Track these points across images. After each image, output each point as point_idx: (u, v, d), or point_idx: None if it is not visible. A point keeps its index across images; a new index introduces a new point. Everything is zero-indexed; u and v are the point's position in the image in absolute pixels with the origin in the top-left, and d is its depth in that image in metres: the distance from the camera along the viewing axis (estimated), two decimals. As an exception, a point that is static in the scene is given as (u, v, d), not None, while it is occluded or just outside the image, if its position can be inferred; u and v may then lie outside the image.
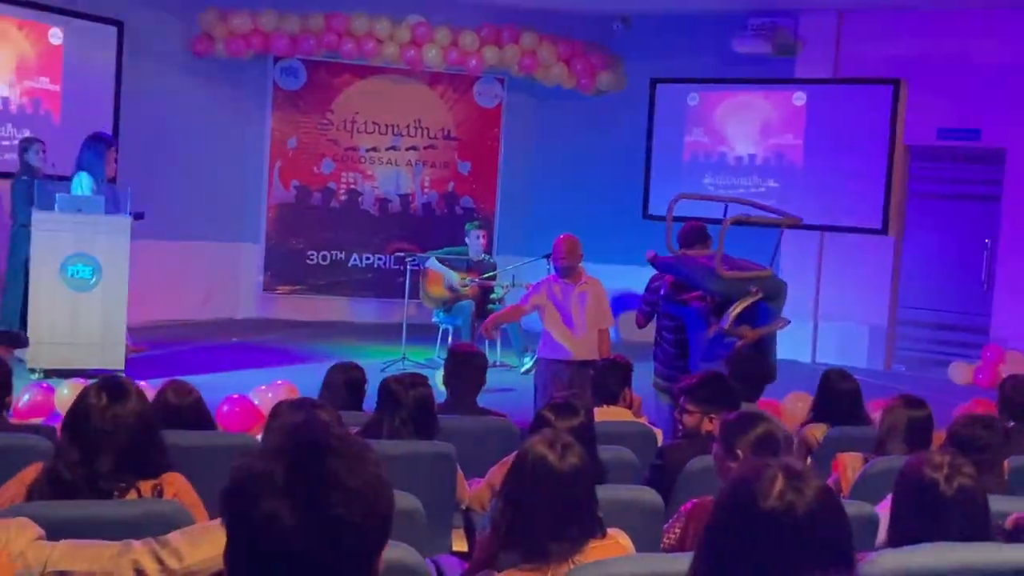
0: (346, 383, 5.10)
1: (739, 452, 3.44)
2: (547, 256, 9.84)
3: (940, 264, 11.13)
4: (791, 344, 11.27)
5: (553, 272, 7.00)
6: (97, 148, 8.22)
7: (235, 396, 6.70)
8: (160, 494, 2.85)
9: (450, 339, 9.71)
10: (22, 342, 5.60)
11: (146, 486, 2.88)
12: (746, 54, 11.25)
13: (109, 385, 2.97)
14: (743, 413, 3.70)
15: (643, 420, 5.52)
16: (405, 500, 3.11)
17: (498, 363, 10.04)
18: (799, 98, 11.34)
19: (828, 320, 11.27)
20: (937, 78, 10.68)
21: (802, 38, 11.28)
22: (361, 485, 1.43)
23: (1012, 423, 4.97)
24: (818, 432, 5.15)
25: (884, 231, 10.92)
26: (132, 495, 2.84)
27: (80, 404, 2.93)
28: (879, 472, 3.99)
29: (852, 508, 3.54)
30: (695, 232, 6.88)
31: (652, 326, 7.00)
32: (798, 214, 11.17)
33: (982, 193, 10.92)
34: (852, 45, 11.10)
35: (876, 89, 10.90)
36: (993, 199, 10.74)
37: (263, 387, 7.06)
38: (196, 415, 4.05)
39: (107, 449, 2.83)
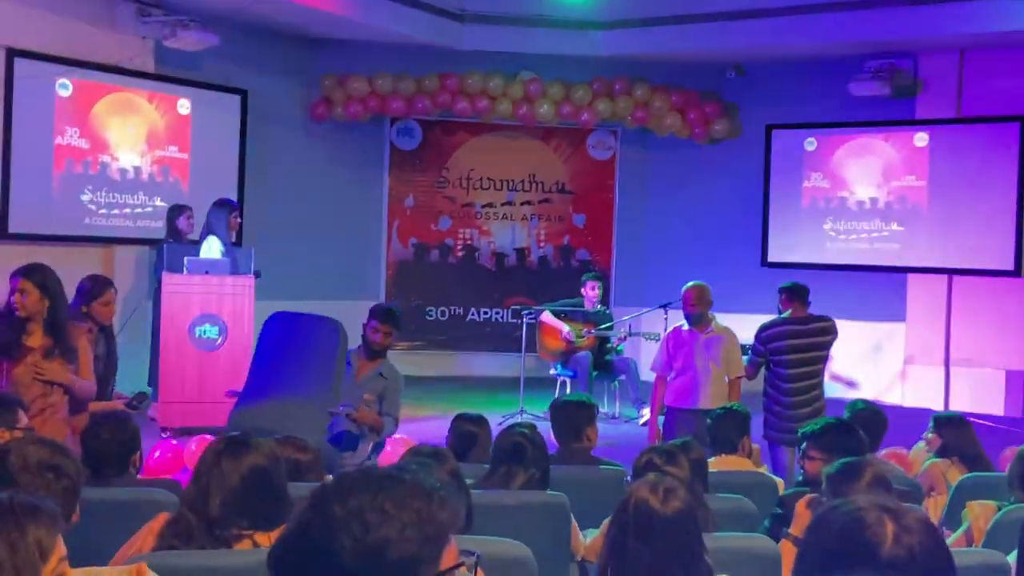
0: (467, 434, 5.14)
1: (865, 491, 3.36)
2: (665, 306, 9.81)
3: (1079, 306, 10.65)
4: (921, 392, 10.95)
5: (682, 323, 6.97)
6: (220, 212, 8.52)
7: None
8: None
9: (568, 390, 9.70)
10: (142, 405, 5.79)
11: (263, 538, 2.93)
12: (864, 97, 11.05)
13: (233, 438, 3.07)
14: (846, 462, 3.59)
15: (763, 469, 5.39)
16: (515, 549, 3.09)
17: (616, 415, 9.98)
18: (921, 139, 11.07)
19: (961, 366, 10.87)
20: (1067, 113, 10.31)
21: (922, 78, 11.03)
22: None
23: None
24: (945, 469, 4.97)
25: (1017, 272, 10.52)
26: (246, 544, 2.89)
27: (204, 453, 3.04)
28: (1013, 521, 3.81)
29: (983, 556, 3.41)
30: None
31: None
32: (925, 256, 10.94)
33: (1121, 231, 10.44)
34: (975, 83, 10.81)
35: (1002, 127, 10.58)
36: None
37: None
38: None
39: (217, 494, 2.90)
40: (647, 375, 10.14)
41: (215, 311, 7.94)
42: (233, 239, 8.66)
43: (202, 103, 10.47)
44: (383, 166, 12.26)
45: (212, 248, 8.30)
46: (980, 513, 4.12)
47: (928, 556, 1.65)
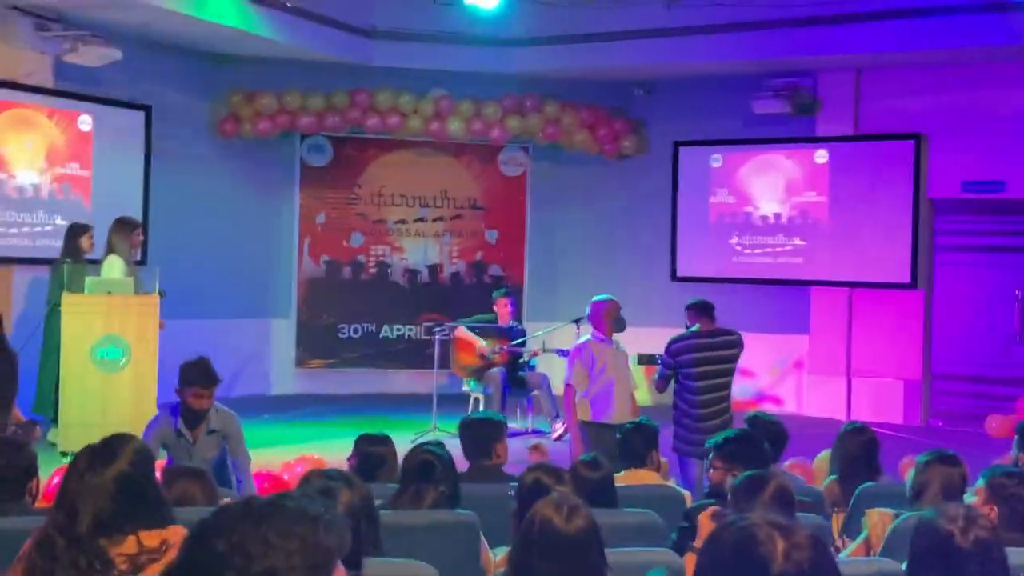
0: (371, 455, 5.09)
1: (767, 504, 3.45)
2: (577, 321, 9.89)
3: (971, 316, 11.03)
4: (825, 402, 11.22)
5: (591, 336, 7.02)
6: (122, 231, 8.36)
7: (264, 472, 6.72)
8: (166, 547, 2.86)
9: (481, 407, 9.72)
10: (28, 435, 5.63)
11: (150, 537, 2.88)
12: (766, 115, 11.31)
13: (95, 449, 3.01)
14: (751, 475, 3.68)
15: (671, 483, 5.47)
16: (423, 570, 3.10)
17: (530, 430, 10.02)
18: (821, 156, 11.37)
19: (861, 376, 11.17)
20: (959, 131, 10.69)
21: (821, 96, 11.34)
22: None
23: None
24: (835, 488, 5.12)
25: (913, 285, 10.86)
26: (131, 544, 2.85)
27: (67, 472, 2.98)
28: (909, 528, 3.92)
29: (880, 565, 3.51)
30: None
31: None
32: (826, 270, 11.23)
33: (1010, 244, 10.85)
34: (872, 101, 11.15)
35: (898, 144, 10.93)
36: (1021, 250, 10.66)
37: (292, 461, 7.08)
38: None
39: (87, 512, 2.86)
40: (560, 390, 10.24)
41: (118, 332, 7.77)
42: (137, 257, 8.50)
43: (104, 119, 10.27)
44: (294, 183, 12.16)
45: (114, 268, 8.14)
46: (878, 521, 4.23)
47: (817, 572, 1.71)
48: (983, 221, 11.13)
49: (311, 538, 1.53)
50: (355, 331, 12.31)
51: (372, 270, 12.41)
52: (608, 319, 6.95)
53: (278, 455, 7.93)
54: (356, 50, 11.41)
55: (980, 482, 3.64)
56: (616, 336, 7.10)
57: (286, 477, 6.72)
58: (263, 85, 11.43)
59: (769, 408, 10.78)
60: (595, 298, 7.18)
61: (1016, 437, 5.27)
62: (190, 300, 10.03)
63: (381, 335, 12.37)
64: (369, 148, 12.35)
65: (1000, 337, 10.90)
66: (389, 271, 12.46)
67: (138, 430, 7.72)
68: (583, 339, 7.10)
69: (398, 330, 12.40)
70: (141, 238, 8.64)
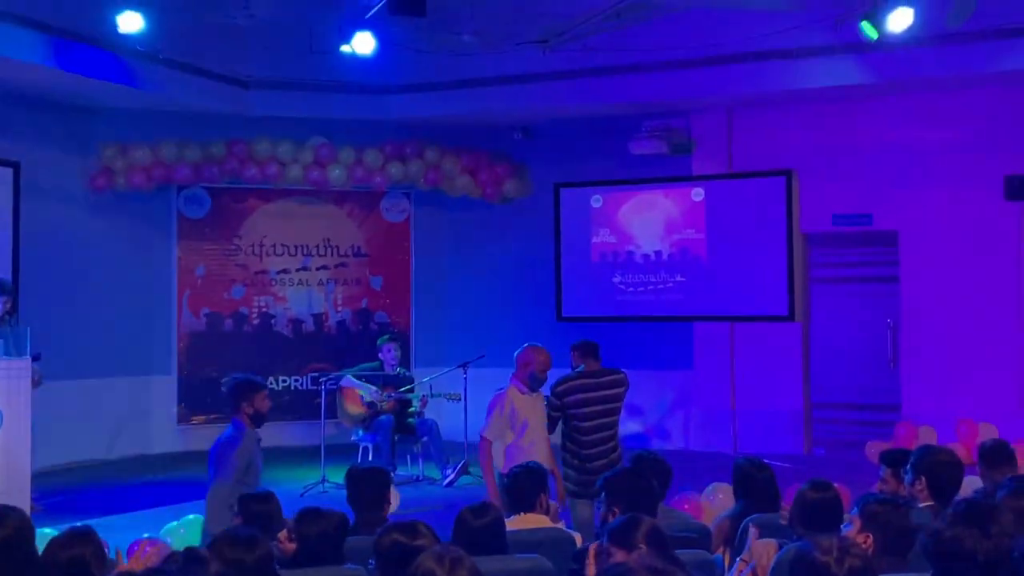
0: (257, 513, 4.97)
1: (641, 546, 3.49)
2: (464, 365, 9.88)
3: (848, 345, 11.39)
4: (712, 435, 11.42)
5: (513, 384, 6.65)
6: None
7: (146, 537, 6.49)
8: None
9: (370, 456, 9.61)
10: None
11: None
12: (643, 155, 11.55)
13: None
14: (623, 519, 3.70)
15: (561, 525, 5.48)
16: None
17: (420, 478, 9.94)
18: (697, 194, 11.64)
19: (746, 409, 11.40)
20: (827, 167, 11.08)
21: (696, 136, 11.64)
22: None
23: (930, 502, 4.96)
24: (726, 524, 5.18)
25: (791, 317, 11.15)
26: None
27: None
28: (791, 558, 4.00)
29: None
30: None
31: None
32: (707, 305, 11.47)
33: (880, 275, 11.26)
34: (743, 140, 11.48)
35: (769, 181, 11.25)
36: (891, 280, 11.08)
37: (175, 524, 6.86)
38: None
39: None
40: (449, 435, 10.21)
41: (-11, 397, 7.45)
42: (7, 320, 8.18)
43: (-30, 176, 9.92)
44: (171, 235, 11.92)
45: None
46: (763, 552, 4.30)
47: None
48: (853, 253, 11.53)
49: None
50: (239, 384, 12.05)
51: (255, 321, 12.21)
52: (527, 370, 6.59)
53: (161, 518, 7.68)
54: (232, 100, 11.29)
55: (855, 511, 3.74)
56: (509, 380, 6.96)
57: (169, 541, 6.51)
58: (137, 137, 11.21)
59: (656, 444, 10.93)
60: (526, 345, 6.75)
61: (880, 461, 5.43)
62: (66, 360, 9.72)
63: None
64: (248, 198, 12.19)
65: (875, 365, 11.27)
66: (273, 322, 12.28)
67: (13, 498, 7.44)
68: (503, 388, 6.70)
69: (284, 381, 12.21)
70: (7, 299, 8.30)
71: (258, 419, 5.97)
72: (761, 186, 11.30)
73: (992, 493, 4.59)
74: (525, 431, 6.52)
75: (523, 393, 6.59)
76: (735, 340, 11.51)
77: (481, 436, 6.65)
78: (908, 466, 4.67)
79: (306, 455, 10.45)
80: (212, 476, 5.84)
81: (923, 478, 4.52)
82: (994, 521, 3.68)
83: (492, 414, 6.58)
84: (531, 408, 6.61)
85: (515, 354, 6.71)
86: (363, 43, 10.32)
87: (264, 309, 12.26)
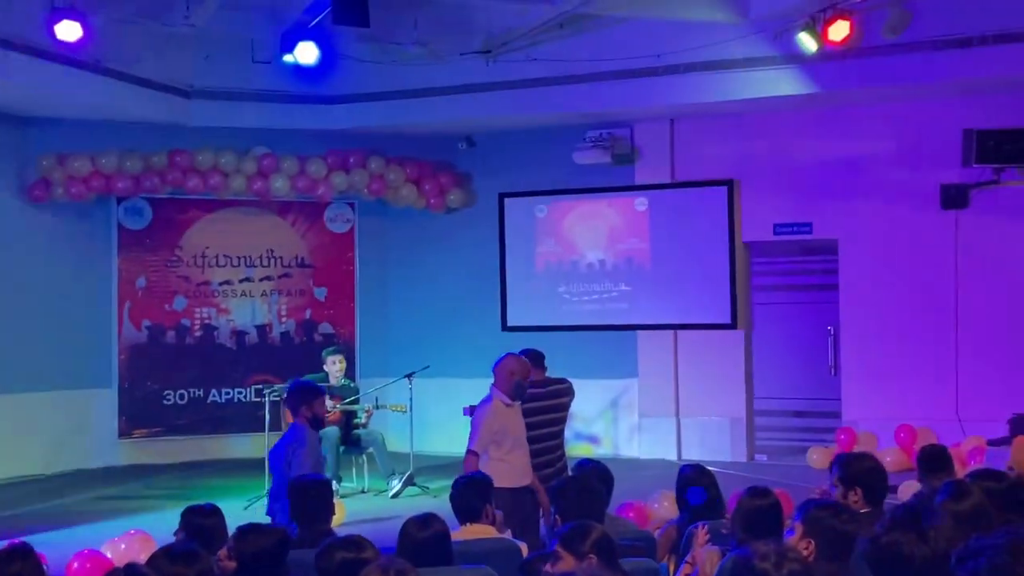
0: (201, 527, 4.91)
1: (591, 555, 3.52)
2: (410, 375, 9.85)
3: (790, 353, 11.54)
4: (656, 443, 11.49)
5: (496, 396, 6.39)
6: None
7: (86, 551, 6.40)
8: None
9: (315, 469, 9.53)
10: None
11: None
12: (587, 165, 11.61)
13: None
14: (574, 525, 3.74)
15: (507, 535, 5.48)
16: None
17: (366, 490, 9.89)
18: (641, 203, 11.73)
19: (689, 416, 11.49)
20: (768, 176, 11.22)
21: (639, 146, 11.73)
22: None
23: (867, 509, 5.02)
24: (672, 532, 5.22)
25: (733, 325, 11.27)
26: None
27: None
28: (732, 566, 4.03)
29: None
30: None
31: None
32: (651, 313, 11.56)
33: (820, 283, 11.43)
34: (686, 150, 11.59)
35: (712, 190, 11.36)
36: (831, 288, 11.25)
37: (116, 539, 6.76)
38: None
39: None
40: (395, 446, 10.18)
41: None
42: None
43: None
44: (111, 247, 11.75)
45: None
46: (706, 559, 4.34)
47: None
48: (794, 261, 11.69)
49: None
50: (181, 397, 11.93)
51: (197, 333, 12.07)
52: (511, 381, 6.37)
53: (101, 532, 7.56)
54: (174, 110, 11.16)
55: (797, 517, 3.78)
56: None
57: (110, 555, 6.42)
58: (76, 147, 11.05)
59: (601, 452, 10.98)
60: (507, 355, 6.58)
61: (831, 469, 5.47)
62: (2, 373, 9.54)
63: (209, 400, 12.03)
64: (190, 209, 12.06)
65: (816, 372, 11.43)
66: (215, 334, 12.16)
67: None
68: (488, 400, 6.42)
69: (227, 394, 12.08)
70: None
71: (316, 423, 6.36)
72: (703, 196, 11.41)
73: (930, 497, 4.67)
74: (508, 444, 6.33)
75: (507, 405, 6.39)
76: (679, 348, 11.60)
77: (469, 450, 6.29)
78: (836, 479, 4.68)
79: (250, 468, 10.34)
80: (280, 477, 6.08)
81: (859, 489, 4.58)
82: (932, 525, 3.75)
83: (481, 427, 6.29)
84: (514, 420, 6.44)
85: (494, 366, 6.49)
86: (306, 53, 10.28)
87: (206, 321, 12.13)
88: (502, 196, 12.20)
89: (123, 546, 6.47)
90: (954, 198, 10.48)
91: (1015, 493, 4.59)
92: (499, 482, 5.95)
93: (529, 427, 6.74)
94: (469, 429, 6.40)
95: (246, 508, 8.72)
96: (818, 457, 10.42)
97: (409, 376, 9.97)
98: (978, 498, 3.99)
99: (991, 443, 9.32)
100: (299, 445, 6.12)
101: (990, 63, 9.50)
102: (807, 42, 9.41)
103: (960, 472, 6.21)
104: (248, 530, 4.11)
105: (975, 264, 10.51)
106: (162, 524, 7.06)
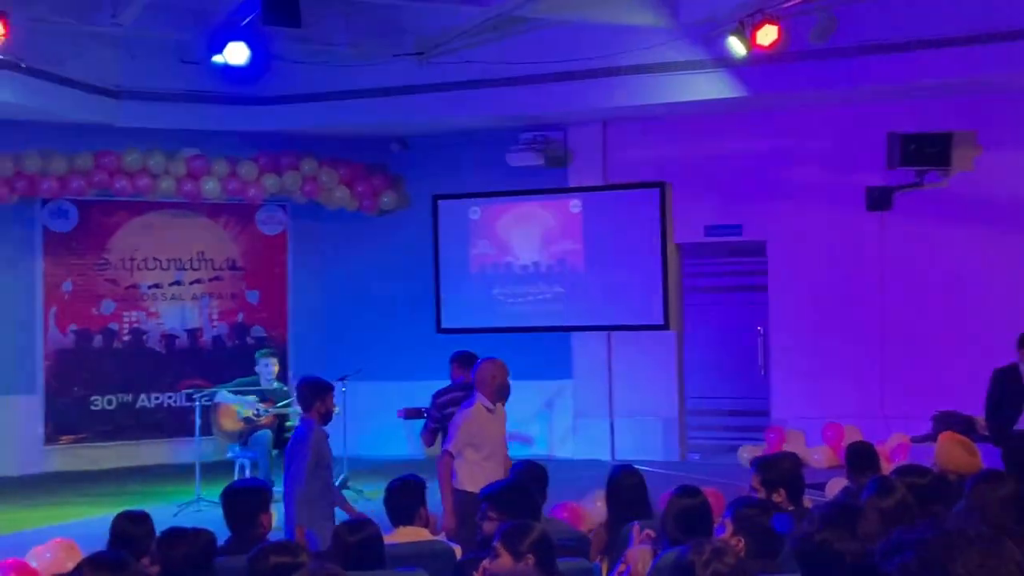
0: (129, 537, 4.82)
1: (528, 556, 3.55)
2: (343, 378, 9.79)
3: (721, 353, 11.68)
4: (590, 444, 11.56)
5: (479, 401, 6.46)
6: None
7: (11, 561, 6.26)
8: None
9: (247, 473, 9.43)
10: None
11: None
12: (521, 167, 11.64)
13: None
14: (512, 525, 3.77)
15: (441, 537, 5.48)
16: None
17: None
18: (575, 206, 11.79)
19: (623, 417, 11.57)
20: (699, 179, 11.35)
21: (572, 148, 11.79)
22: None
23: (791, 507, 5.12)
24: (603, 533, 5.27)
25: (666, 326, 11.37)
26: None
27: None
28: (668, 565, 4.07)
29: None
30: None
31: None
32: (585, 315, 11.62)
33: (750, 284, 11.59)
34: (618, 152, 11.68)
35: (644, 193, 11.46)
36: (760, 289, 11.41)
37: (41, 547, 6.62)
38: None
39: None
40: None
41: None
42: None
43: None
44: (36, 250, 11.50)
45: None
46: (639, 559, 4.38)
47: None
48: (725, 263, 11.83)
49: None
50: (109, 403, 11.73)
51: (126, 338, 11.88)
52: (494, 384, 6.47)
53: (27, 541, 7.39)
54: (101, 110, 10.95)
55: (728, 514, 3.84)
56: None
57: (35, 564, 6.28)
58: (-2, 147, 10.81)
59: (536, 453, 11.01)
60: (481, 359, 6.71)
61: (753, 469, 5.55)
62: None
63: (138, 405, 11.84)
64: (118, 211, 11.86)
65: (747, 371, 11.58)
66: (145, 338, 11.97)
67: None
68: (470, 403, 6.50)
69: (156, 399, 11.91)
70: None
71: (326, 418, 6.46)
72: (636, 198, 11.51)
73: (857, 494, 4.76)
74: (486, 450, 6.38)
75: (489, 411, 6.45)
76: (612, 349, 11.69)
77: (445, 450, 6.39)
78: (759, 482, 4.74)
79: (181, 474, 10.20)
80: (286, 474, 6.25)
81: (782, 489, 4.66)
82: (860, 522, 3.83)
83: (460, 429, 6.36)
84: (494, 426, 6.49)
85: (472, 374, 6.61)
86: (236, 53, 10.16)
87: (135, 325, 11.93)
88: (436, 198, 12.18)
89: (48, 555, 6.35)
90: (878, 200, 10.70)
91: (938, 488, 4.71)
92: (467, 486, 6.14)
93: (463, 429, 6.75)
94: (415, 431, 6.54)
95: (176, 515, 8.59)
96: (748, 455, 10.53)
97: (343, 379, 9.91)
98: (902, 494, 4.08)
99: (915, 440, 9.55)
100: (301, 443, 6.23)
101: (913, 68, 9.72)
102: (736, 46, 9.54)
103: (886, 468, 6.35)
104: (170, 535, 4.06)
105: (899, 265, 10.75)
106: (89, 532, 6.94)
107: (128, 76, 11.08)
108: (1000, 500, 3.86)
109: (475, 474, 6.17)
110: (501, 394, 6.52)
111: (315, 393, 6.43)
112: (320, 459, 6.23)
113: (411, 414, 8.38)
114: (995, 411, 8.43)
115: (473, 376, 6.59)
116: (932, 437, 8.85)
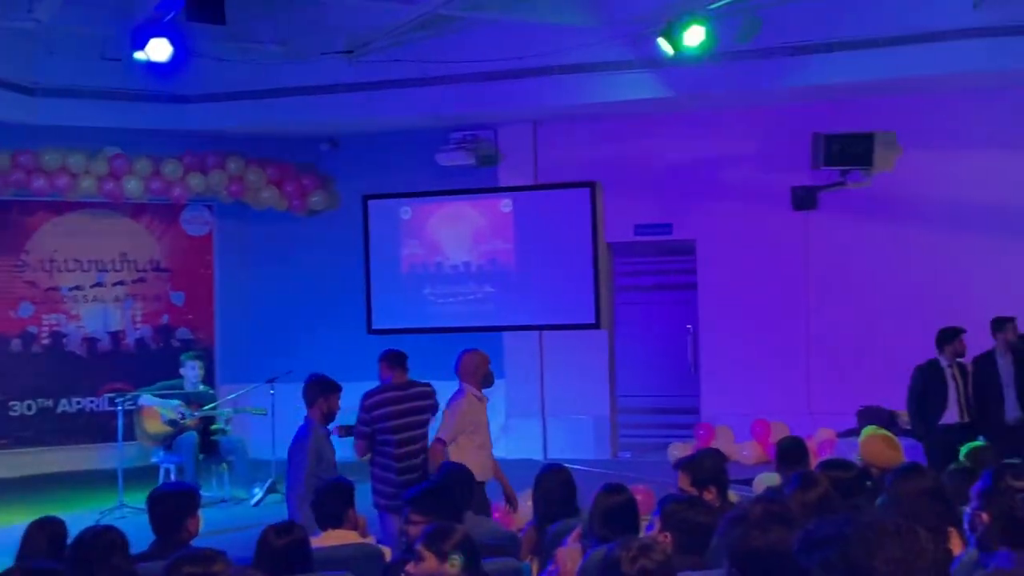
0: (48, 540, 4.70)
1: (454, 558, 3.51)
2: (272, 380, 9.65)
3: (651, 351, 11.75)
4: (522, 443, 11.54)
5: (468, 391, 6.79)
6: None
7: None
8: None
9: (172, 477, 9.26)
10: None
11: None
12: (451, 166, 11.60)
13: None
14: (435, 528, 3.74)
15: (370, 540, 5.41)
16: None
17: (227, 499, 9.64)
18: (506, 205, 11.77)
19: (555, 415, 11.59)
20: (628, 178, 11.41)
21: (502, 148, 11.77)
22: None
23: (719, 503, 5.14)
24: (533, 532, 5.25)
25: (597, 325, 11.41)
26: None
27: None
28: (596, 564, 4.06)
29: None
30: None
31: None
32: (517, 314, 11.61)
33: (680, 283, 11.68)
34: (549, 152, 11.68)
35: (574, 192, 11.49)
36: (690, 287, 11.50)
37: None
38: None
39: None
40: (257, 453, 9.95)
41: None
42: None
43: None
44: (-50, 252, 11.19)
45: None
46: (568, 557, 4.37)
47: None
48: (655, 262, 11.91)
49: None
50: (28, 408, 11.44)
51: (45, 341, 11.59)
52: (479, 373, 6.84)
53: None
54: (17, 108, 10.63)
55: (657, 511, 3.83)
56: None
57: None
58: (-90, 146, 10.48)
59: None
60: (463, 351, 7.03)
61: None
62: None
63: (58, 410, 11.57)
64: (37, 211, 11.57)
65: (677, 370, 11.66)
66: (65, 341, 11.69)
67: None
68: (461, 393, 6.81)
69: (77, 403, 11.64)
70: None
71: (329, 417, 6.48)
72: (566, 197, 11.53)
73: (781, 489, 4.80)
74: (479, 437, 6.75)
75: (479, 400, 6.81)
76: (544, 348, 11.69)
77: (437, 438, 6.63)
78: (689, 483, 4.74)
79: (103, 480, 9.97)
80: (287, 472, 6.33)
81: (713, 487, 4.68)
82: (785, 516, 3.85)
83: (456, 417, 6.66)
84: (484, 414, 6.86)
85: (456, 367, 6.91)
86: (158, 50, 9.94)
87: (55, 328, 11.65)
88: (366, 198, 12.08)
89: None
90: (803, 199, 10.85)
91: (862, 481, 4.77)
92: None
93: (391, 431, 6.74)
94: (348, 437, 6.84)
95: (98, 522, 8.37)
96: (678, 452, 10.60)
97: (271, 381, 9.78)
98: (824, 488, 4.12)
99: (840, 435, 9.70)
100: (302, 443, 6.25)
101: (836, 69, 9.86)
102: (665, 46, 9.59)
103: (813, 463, 6.42)
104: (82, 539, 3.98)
105: (823, 263, 10.91)
106: (7, 540, 6.73)
107: (46, 73, 10.80)
108: (918, 492, 3.93)
109: (470, 460, 6.29)
110: (487, 382, 6.91)
111: (320, 391, 6.45)
112: (320, 459, 6.25)
113: (344, 432, 8.22)
114: (919, 407, 8.59)
115: (456, 369, 6.90)
116: (857, 431, 8.99)
